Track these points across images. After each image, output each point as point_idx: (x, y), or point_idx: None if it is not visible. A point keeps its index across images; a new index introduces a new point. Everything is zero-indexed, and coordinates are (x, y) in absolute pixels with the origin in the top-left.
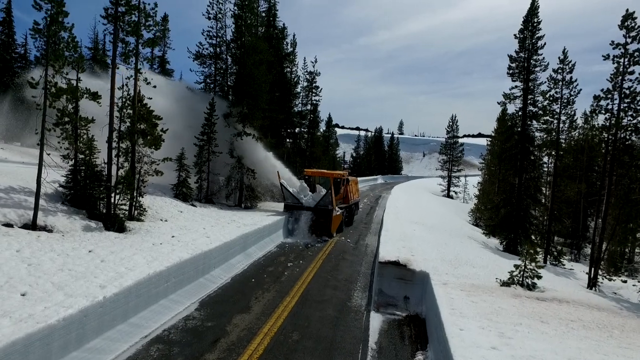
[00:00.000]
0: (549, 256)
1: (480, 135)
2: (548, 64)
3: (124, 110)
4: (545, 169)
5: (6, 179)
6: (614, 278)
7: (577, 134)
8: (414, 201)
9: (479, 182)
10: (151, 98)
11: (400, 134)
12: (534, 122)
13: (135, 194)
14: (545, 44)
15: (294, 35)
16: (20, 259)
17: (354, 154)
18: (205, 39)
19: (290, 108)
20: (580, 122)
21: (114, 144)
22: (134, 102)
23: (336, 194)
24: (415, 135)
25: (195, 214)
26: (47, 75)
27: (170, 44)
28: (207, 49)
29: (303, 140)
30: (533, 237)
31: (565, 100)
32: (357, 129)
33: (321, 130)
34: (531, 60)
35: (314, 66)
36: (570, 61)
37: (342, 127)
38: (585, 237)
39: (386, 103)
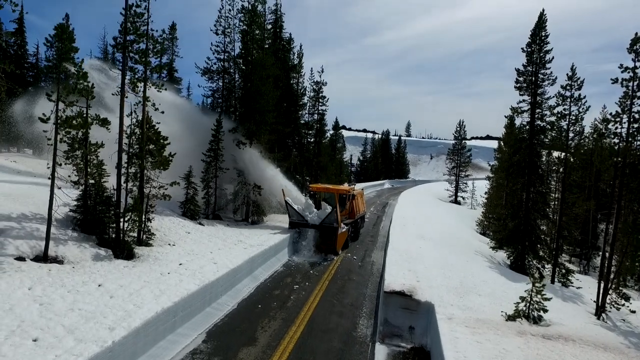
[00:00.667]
0: (556, 274)
1: (488, 137)
2: (556, 78)
3: (133, 137)
4: (553, 184)
5: (19, 205)
6: (622, 303)
7: (586, 142)
8: (421, 211)
9: (486, 192)
10: (159, 123)
11: (407, 135)
12: (542, 136)
13: (143, 219)
14: (553, 57)
15: (300, 46)
16: (32, 299)
17: (361, 158)
18: (213, 53)
19: (297, 119)
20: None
21: (123, 170)
22: (143, 126)
23: (342, 210)
24: (423, 138)
25: (203, 235)
26: (58, 110)
27: (178, 52)
28: (215, 64)
29: (310, 150)
30: (541, 253)
31: (573, 118)
32: (365, 131)
33: (328, 134)
34: (539, 74)
35: (320, 76)
36: (579, 78)
37: (349, 129)
38: (594, 245)
39: (394, 103)
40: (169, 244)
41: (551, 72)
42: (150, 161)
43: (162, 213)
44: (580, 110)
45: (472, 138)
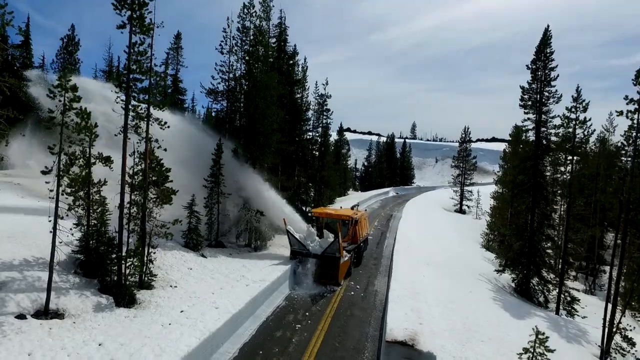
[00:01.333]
0: (561, 301)
1: (494, 139)
2: (561, 96)
3: (135, 178)
4: (558, 199)
5: (22, 248)
6: (628, 349)
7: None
8: (425, 227)
9: (490, 207)
10: (161, 147)
11: (412, 136)
12: (547, 157)
13: (145, 261)
14: (558, 75)
15: (304, 59)
16: None
17: (366, 163)
18: (218, 73)
19: (301, 136)
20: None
21: (125, 210)
22: (145, 171)
23: (344, 236)
24: (428, 140)
25: (205, 271)
26: (60, 162)
27: (183, 61)
28: (219, 83)
29: (314, 165)
30: (545, 274)
31: (578, 141)
32: (369, 133)
33: (332, 141)
34: (544, 92)
35: (324, 88)
36: (584, 100)
37: (354, 132)
38: (601, 258)
39: (400, 101)
40: (171, 286)
41: (556, 91)
42: (153, 199)
43: (165, 246)
44: (586, 133)
45: (478, 140)
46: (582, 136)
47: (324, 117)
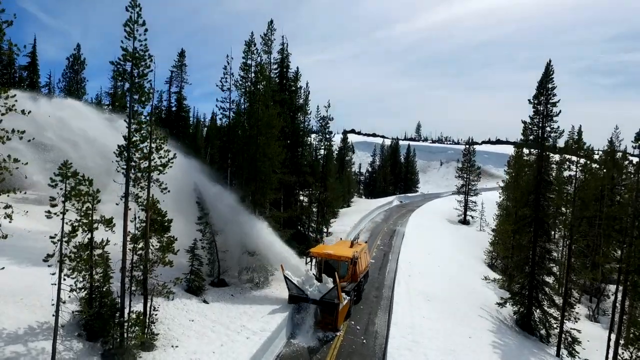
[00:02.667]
0: (562, 341)
1: (499, 141)
2: (563, 131)
3: (137, 243)
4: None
5: (26, 311)
6: None
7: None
8: (428, 249)
9: (493, 229)
10: (165, 211)
11: (418, 136)
12: (548, 194)
13: (147, 323)
14: (560, 111)
15: (307, 84)
16: None
17: (370, 169)
18: (219, 110)
19: (302, 163)
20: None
21: (127, 272)
22: (146, 234)
23: (343, 276)
24: (433, 142)
25: (206, 322)
26: (63, 229)
27: (187, 78)
28: (220, 118)
29: (317, 187)
30: (546, 307)
31: (579, 184)
32: (374, 135)
33: (336, 148)
34: (545, 127)
35: (327, 111)
36: (585, 143)
37: (359, 133)
38: (606, 278)
39: (405, 97)
40: (172, 346)
41: (558, 127)
42: (155, 250)
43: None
44: (587, 177)
45: (483, 143)
46: (583, 179)
47: (326, 139)
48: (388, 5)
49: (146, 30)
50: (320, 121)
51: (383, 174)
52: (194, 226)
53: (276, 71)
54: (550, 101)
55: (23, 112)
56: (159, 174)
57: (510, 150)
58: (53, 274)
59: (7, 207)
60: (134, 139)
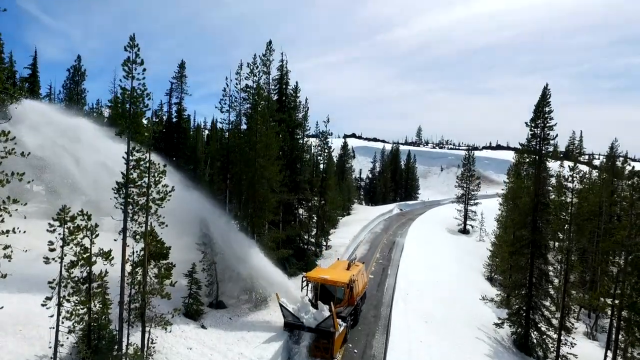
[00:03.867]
0: None
1: (499, 147)
2: (561, 153)
3: (135, 276)
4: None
5: (24, 344)
6: None
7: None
8: (426, 263)
9: (492, 244)
10: (161, 238)
11: (418, 140)
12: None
13: (145, 355)
14: (557, 135)
15: (306, 100)
16: None
17: (370, 175)
18: (219, 131)
19: (301, 179)
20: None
21: (125, 305)
22: (145, 277)
23: (340, 302)
24: (434, 146)
25: (204, 350)
26: (60, 284)
27: (187, 89)
28: (219, 139)
29: (316, 202)
30: (543, 328)
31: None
32: (375, 140)
33: (336, 155)
34: (542, 150)
35: (326, 126)
36: (581, 171)
37: (360, 137)
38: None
39: (406, 100)
40: None
41: (555, 150)
42: (151, 291)
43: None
44: (582, 204)
45: (484, 148)
46: (579, 207)
47: (326, 153)
48: (389, 9)
49: (144, 69)
50: (320, 135)
51: (383, 181)
52: (192, 247)
53: (275, 88)
54: (548, 125)
55: (22, 154)
56: (157, 209)
57: (510, 156)
58: (48, 307)
59: (5, 247)
60: (132, 175)
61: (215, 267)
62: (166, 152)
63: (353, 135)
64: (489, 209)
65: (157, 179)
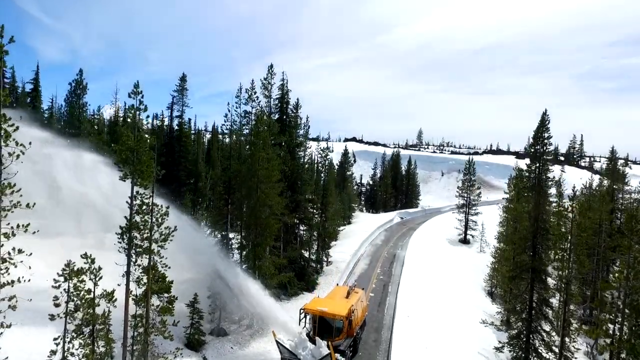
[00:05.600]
0: None
1: (500, 151)
2: (559, 180)
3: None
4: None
5: None
6: None
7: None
8: (427, 280)
9: (492, 256)
10: (164, 273)
11: (419, 142)
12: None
13: None
14: (553, 166)
15: (307, 118)
16: None
17: (371, 182)
18: (219, 158)
19: (302, 199)
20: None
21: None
22: (146, 321)
23: (339, 334)
24: (435, 149)
25: None
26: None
27: (188, 102)
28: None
29: (317, 218)
30: (544, 354)
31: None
32: (376, 144)
33: (337, 163)
34: (542, 175)
35: (326, 143)
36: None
37: (360, 141)
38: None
39: (407, 102)
40: None
41: (554, 177)
42: (156, 330)
43: (168, 350)
44: (582, 235)
45: (484, 152)
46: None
47: (325, 171)
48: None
49: (148, 116)
50: (320, 152)
51: (384, 187)
52: (195, 276)
53: (276, 108)
54: (547, 150)
55: (28, 205)
56: (159, 249)
57: (511, 161)
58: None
59: (10, 298)
60: (135, 219)
61: (219, 296)
62: (167, 167)
63: (354, 139)
64: (490, 216)
65: (160, 221)
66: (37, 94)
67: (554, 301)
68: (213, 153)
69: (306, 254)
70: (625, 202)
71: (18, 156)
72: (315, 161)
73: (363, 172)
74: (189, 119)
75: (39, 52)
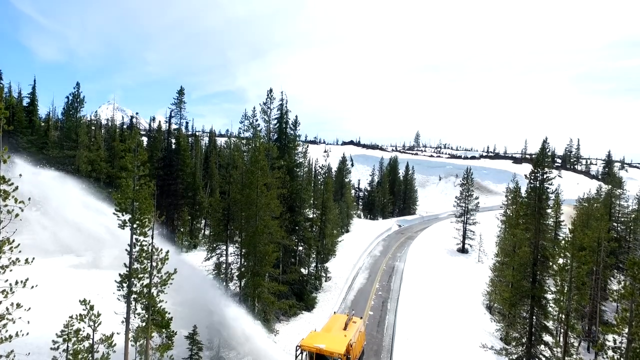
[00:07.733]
0: None
1: (497, 155)
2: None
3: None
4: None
5: None
6: None
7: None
8: (426, 296)
9: (490, 276)
10: (164, 308)
11: (416, 145)
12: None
13: None
14: (552, 200)
15: (305, 137)
16: None
17: (369, 188)
18: (219, 187)
19: (301, 220)
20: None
21: None
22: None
23: None
24: (433, 152)
25: None
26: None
27: (186, 115)
28: (221, 193)
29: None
30: None
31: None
32: (374, 147)
33: (335, 169)
34: (542, 203)
35: (325, 160)
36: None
37: (358, 144)
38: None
39: (406, 102)
40: None
41: (553, 204)
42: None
43: None
44: (583, 267)
45: (482, 157)
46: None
47: (324, 188)
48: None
49: (148, 166)
50: (320, 168)
51: (382, 192)
52: (193, 308)
53: (275, 127)
54: (547, 178)
55: (27, 260)
56: (158, 293)
57: (509, 166)
58: None
59: (9, 354)
60: (135, 266)
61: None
62: (165, 180)
63: (351, 143)
64: (488, 223)
65: (159, 266)
66: (34, 108)
67: (551, 325)
68: (212, 160)
69: (304, 271)
70: (622, 217)
71: (17, 215)
72: (313, 166)
73: (361, 176)
74: (187, 122)
75: (35, 52)
